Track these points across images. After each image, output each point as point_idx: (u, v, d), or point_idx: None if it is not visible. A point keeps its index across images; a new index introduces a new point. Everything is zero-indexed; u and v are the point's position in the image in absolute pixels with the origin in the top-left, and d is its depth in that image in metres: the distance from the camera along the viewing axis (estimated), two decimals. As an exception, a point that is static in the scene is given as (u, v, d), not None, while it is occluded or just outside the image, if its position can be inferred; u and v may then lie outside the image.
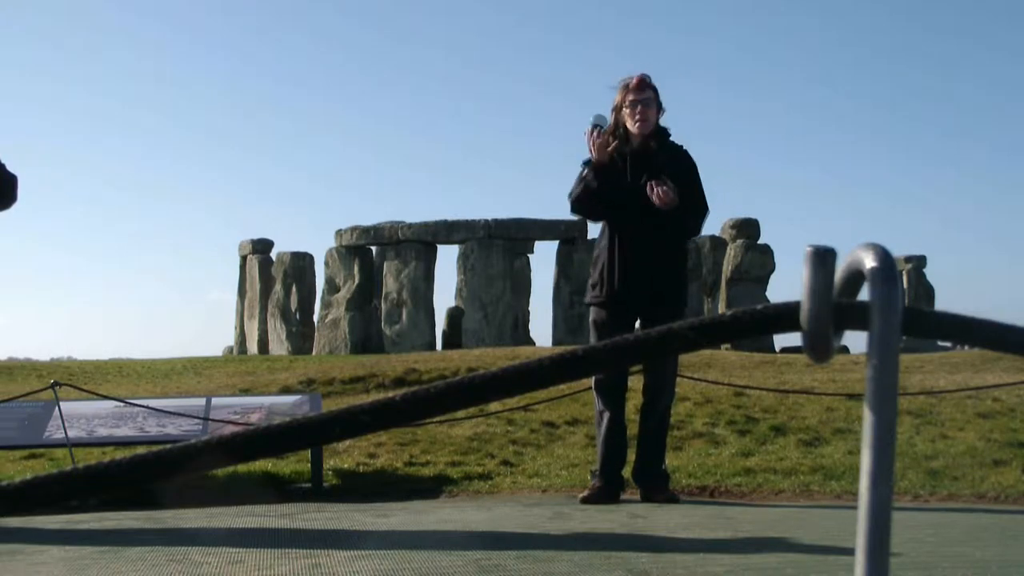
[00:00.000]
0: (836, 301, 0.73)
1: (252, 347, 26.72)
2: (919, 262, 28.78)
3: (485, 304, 23.97)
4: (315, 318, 25.81)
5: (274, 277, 26.60)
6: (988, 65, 60.65)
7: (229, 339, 28.45)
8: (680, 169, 4.92)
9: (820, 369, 10.28)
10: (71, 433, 5.59)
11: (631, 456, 5.05)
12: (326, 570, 3.10)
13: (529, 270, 25.55)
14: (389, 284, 24.73)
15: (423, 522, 4.23)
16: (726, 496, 5.23)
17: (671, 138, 5.07)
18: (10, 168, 4.22)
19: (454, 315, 24.14)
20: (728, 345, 15.69)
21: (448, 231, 24.73)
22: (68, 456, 5.65)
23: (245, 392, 9.71)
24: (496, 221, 24.54)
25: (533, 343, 23.33)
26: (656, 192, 4.76)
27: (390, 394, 0.78)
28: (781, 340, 19.35)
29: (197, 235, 55.20)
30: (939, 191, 58.04)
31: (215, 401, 6.33)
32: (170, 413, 5.92)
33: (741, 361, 12.04)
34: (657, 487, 4.91)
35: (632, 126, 4.96)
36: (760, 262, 24.15)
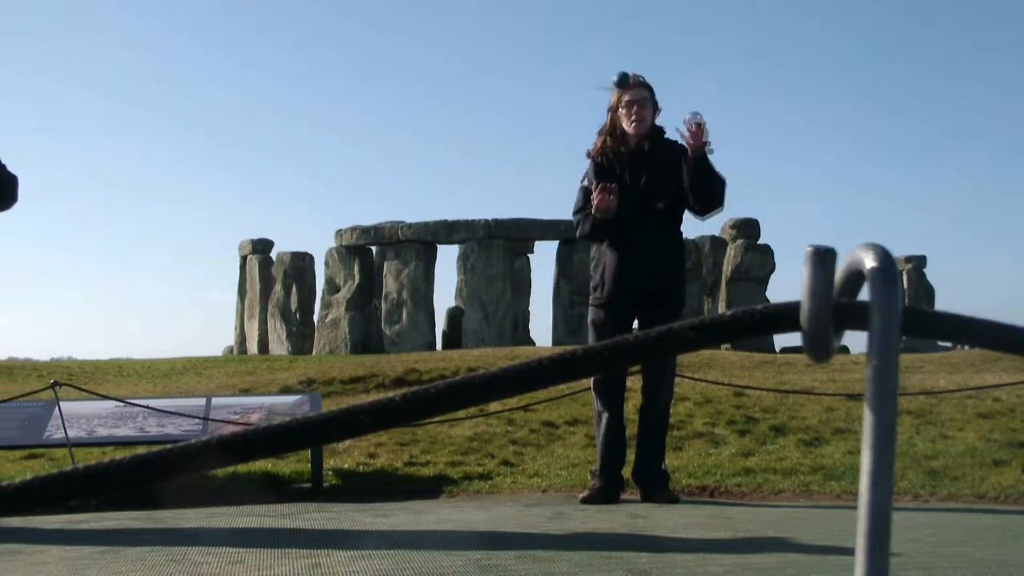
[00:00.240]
0: (836, 301, 0.73)
1: (252, 347, 26.73)
2: (919, 262, 28.79)
3: (485, 304, 23.97)
4: (315, 318, 25.81)
5: (274, 277, 26.60)
6: (988, 65, 60.68)
7: (229, 339, 28.47)
8: (677, 165, 4.91)
9: (820, 369, 10.28)
10: (71, 433, 5.59)
11: (631, 456, 5.05)
12: (326, 570, 3.10)
13: (529, 270, 25.56)
14: (389, 284, 24.73)
15: (423, 522, 4.23)
16: (726, 496, 5.23)
17: (666, 136, 5.06)
18: (10, 168, 4.22)
19: (454, 315, 24.14)
20: (728, 345, 15.69)
21: (448, 231, 24.72)
22: (68, 456, 5.65)
23: (245, 392, 9.71)
24: (496, 221, 24.54)
25: (533, 343, 23.33)
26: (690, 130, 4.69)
27: (390, 394, 0.78)
28: (781, 340, 19.35)
29: (197, 235, 55.26)
30: (939, 191, 58.04)
31: (215, 401, 6.33)
32: (170, 413, 5.92)
33: (741, 361, 12.04)
34: (657, 487, 4.91)
35: (628, 126, 4.96)
36: (760, 262, 24.16)
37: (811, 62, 66.24)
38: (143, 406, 6.10)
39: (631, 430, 5.10)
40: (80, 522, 4.29)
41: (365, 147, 59.68)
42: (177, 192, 57.93)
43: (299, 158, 61.01)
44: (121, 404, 6.26)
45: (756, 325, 0.76)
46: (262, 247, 27.43)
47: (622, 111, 4.97)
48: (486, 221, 24.50)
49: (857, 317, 0.73)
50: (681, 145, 4.94)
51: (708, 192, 4.84)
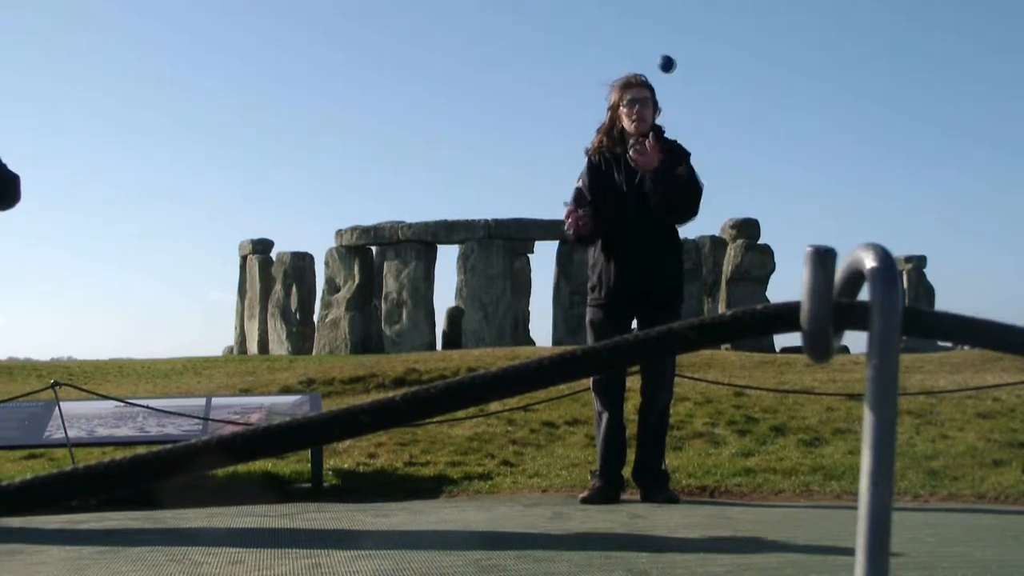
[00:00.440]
0: (836, 301, 0.73)
1: (252, 347, 26.73)
2: (919, 262, 28.81)
3: (485, 304, 23.98)
4: (315, 318, 25.82)
5: (274, 277, 26.61)
6: (988, 65, 60.69)
7: (229, 339, 28.49)
8: (675, 162, 4.91)
9: (820, 369, 10.28)
10: (71, 433, 5.59)
11: (631, 456, 5.05)
12: (326, 570, 3.09)
13: (529, 270, 25.58)
14: (389, 284, 24.74)
15: (423, 522, 4.23)
16: (726, 496, 5.23)
17: (665, 135, 5.07)
18: (11, 168, 4.22)
19: (454, 315, 24.15)
20: (728, 345, 15.70)
21: (448, 231, 24.73)
22: (68, 456, 5.65)
23: (245, 392, 9.71)
24: (496, 221, 24.54)
25: (533, 343, 23.35)
26: (633, 157, 4.75)
27: (390, 394, 0.78)
28: (781, 340, 19.36)
29: (197, 235, 55.32)
30: (939, 191, 58.06)
31: (215, 401, 6.33)
32: (170, 413, 5.92)
33: (741, 361, 12.04)
34: (657, 487, 4.91)
35: (629, 125, 4.96)
36: (760, 262, 24.17)
37: (811, 62, 66.25)
38: (143, 406, 6.10)
39: (631, 430, 5.10)
40: (80, 522, 4.29)
41: (365, 147, 59.73)
42: (177, 192, 58.02)
43: (299, 158, 61.05)
44: (121, 404, 6.26)
45: (756, 325, 0.76)
46: (262, 247, 27.44)
47: (623, 110, 4.97)
48: (486, 221, 24.50)
49: (857, 317, 0.73)
50: (681, 145, 4.97)
51: (669, 205, 4.87)
